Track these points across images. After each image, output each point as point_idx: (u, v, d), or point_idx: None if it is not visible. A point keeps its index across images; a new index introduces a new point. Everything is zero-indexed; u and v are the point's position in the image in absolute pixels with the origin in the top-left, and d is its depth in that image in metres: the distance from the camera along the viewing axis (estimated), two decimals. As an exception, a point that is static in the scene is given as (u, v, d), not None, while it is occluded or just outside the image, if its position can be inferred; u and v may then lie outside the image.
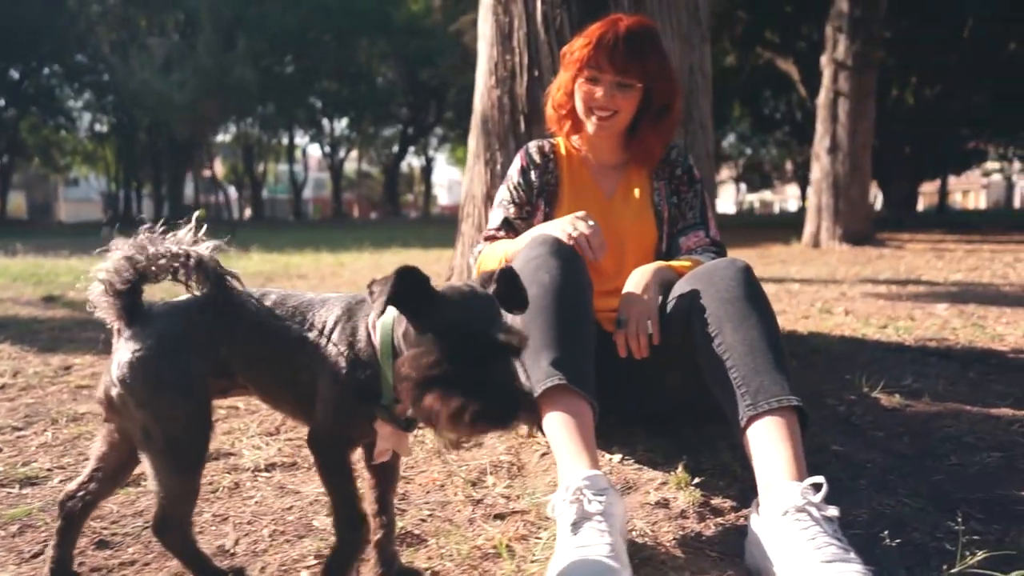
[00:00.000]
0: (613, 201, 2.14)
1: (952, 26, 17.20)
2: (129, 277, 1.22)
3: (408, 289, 1.09)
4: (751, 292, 1.67)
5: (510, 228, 2.13)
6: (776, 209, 67.36)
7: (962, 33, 17.40)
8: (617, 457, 1.94)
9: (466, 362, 1.03)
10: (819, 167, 11.51)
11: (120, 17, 22.85)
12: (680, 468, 1.79)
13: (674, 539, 1.49)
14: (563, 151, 2.19)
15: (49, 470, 1.91)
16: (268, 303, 1.29)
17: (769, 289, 5.79)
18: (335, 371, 1.21)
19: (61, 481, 1.83)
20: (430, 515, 1.63)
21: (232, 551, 1.48)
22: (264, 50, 21.97)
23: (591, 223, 1.81)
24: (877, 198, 26.02)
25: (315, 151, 57.13)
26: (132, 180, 36.43)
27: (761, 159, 47.61)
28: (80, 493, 1.30)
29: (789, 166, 42.76)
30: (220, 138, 35.17)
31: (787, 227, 13.23)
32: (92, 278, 1.23)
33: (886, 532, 1.51)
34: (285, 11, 21.27)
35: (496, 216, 2.17)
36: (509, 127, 3.13)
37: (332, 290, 4.52)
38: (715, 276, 1.72)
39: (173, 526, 1.24)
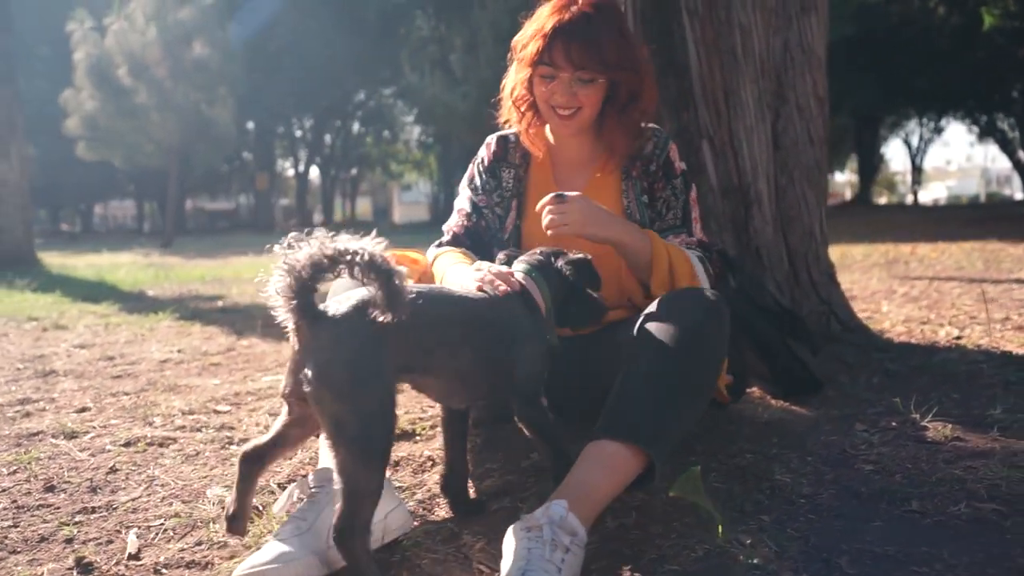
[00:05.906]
0: None
1: None
2: (309, 273, 1.20)
3: None
4: (698, 329, 1.55)
5: (478, 216, 2.06)
6: None
7: None
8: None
9: None
10: None
11: (436, 39, 25.71)
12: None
13: (460, 546, 1.50)
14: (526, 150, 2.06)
15: (103, 427, 2.47)
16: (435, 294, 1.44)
17: (964, 290, 4.71)
18: (536, 334, 1.50)
19: (93, 437, 2.36)
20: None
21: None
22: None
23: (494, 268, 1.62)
24: None
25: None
26: (448, 184, 40.82)
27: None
28: (258, 454, 1.36)
29: None
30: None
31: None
32: (272, 276, 1.23)
33: (696, 570, 1.36)
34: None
35: (461, 201, 2.09)
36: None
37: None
38: (677, 302, 1.62)
39: (358, 531, 1.22)
